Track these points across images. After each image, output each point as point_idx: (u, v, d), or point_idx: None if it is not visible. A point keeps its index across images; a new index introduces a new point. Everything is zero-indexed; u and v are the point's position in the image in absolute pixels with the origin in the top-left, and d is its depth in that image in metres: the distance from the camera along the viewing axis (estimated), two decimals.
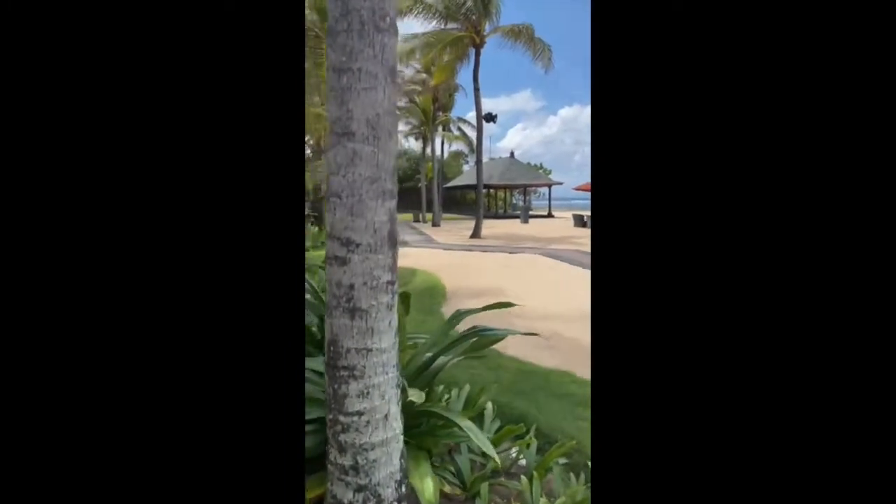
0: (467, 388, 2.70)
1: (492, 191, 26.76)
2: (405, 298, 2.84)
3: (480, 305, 2.13)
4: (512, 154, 25.56)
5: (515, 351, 3.68)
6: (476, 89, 13.55)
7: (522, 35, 12.62)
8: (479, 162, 14.04)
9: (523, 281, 6.82)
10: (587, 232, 13.49)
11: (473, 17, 12.59)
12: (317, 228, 8.79)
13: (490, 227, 17.00)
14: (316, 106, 8.08)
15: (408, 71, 17.26)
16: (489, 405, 2.49)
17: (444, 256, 9.68)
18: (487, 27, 13.06)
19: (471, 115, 20.39)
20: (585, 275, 6.72)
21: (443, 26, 13.03)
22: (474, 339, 2.07)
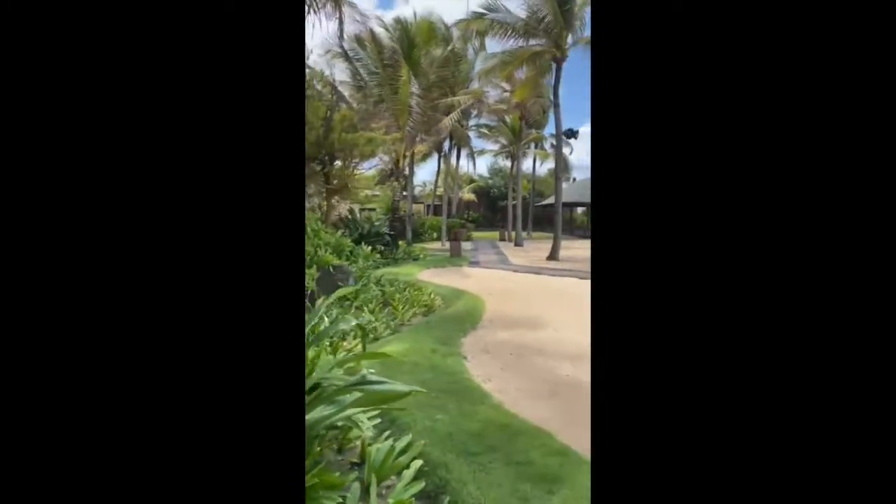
0: (406, 439, 2.40)
1: (588, 209, 25.27)
2: (362, 331, 2.67)
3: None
4: None
5: (508, 396, 3.23)
6: (556, 105, 12.91)
7: None
8: (557, 179, 13.32)
9: (576, 311, 6.15)
10: None
11: (554, 31, 12.11)
12: (370, 248, 8.96)
13: (576, 248, 15.95)
14: (386, 129, 8.40)
15: (494, 92, 17.26)
16: (415, 464, 2.16)
17: (507, 279, 9.25)
18: (570, 39, 12.46)
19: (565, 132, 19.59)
20: None
21: (523, 44, 12.76)
22: (360, 393, 1.80)
